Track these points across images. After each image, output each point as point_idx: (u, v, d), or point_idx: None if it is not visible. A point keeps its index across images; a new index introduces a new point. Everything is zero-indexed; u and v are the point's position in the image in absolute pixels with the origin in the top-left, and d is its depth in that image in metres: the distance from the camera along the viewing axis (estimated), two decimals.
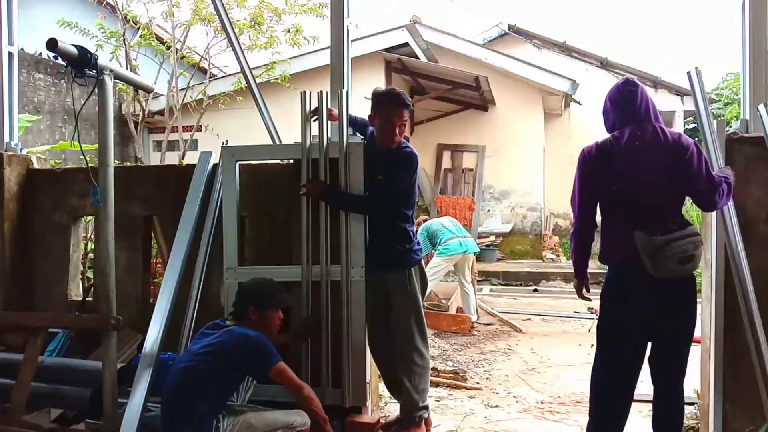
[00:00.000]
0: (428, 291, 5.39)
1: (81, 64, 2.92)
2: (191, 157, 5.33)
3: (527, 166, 11.53)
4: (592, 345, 3.31)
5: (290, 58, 8.10)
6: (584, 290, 2.91)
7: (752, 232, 2.96)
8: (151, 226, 4.07)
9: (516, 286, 9.54)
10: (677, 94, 12.82)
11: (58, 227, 4.04)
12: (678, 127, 12.83)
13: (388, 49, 9.89)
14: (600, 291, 2.79)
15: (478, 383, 4.57)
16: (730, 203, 2.87)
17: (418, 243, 3.42)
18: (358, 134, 3.46)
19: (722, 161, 2.96)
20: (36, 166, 4.18)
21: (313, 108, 3.37)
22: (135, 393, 3.01)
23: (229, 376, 2.74)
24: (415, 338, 3.31)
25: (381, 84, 9.54)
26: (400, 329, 3.31)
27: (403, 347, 3.31)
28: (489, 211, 11.92)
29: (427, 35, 10.76)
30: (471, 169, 11.89)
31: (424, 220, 6.74)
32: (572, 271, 2.95)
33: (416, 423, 3.33)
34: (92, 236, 4.51)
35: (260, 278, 3.09)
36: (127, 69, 6.58)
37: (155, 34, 7.71)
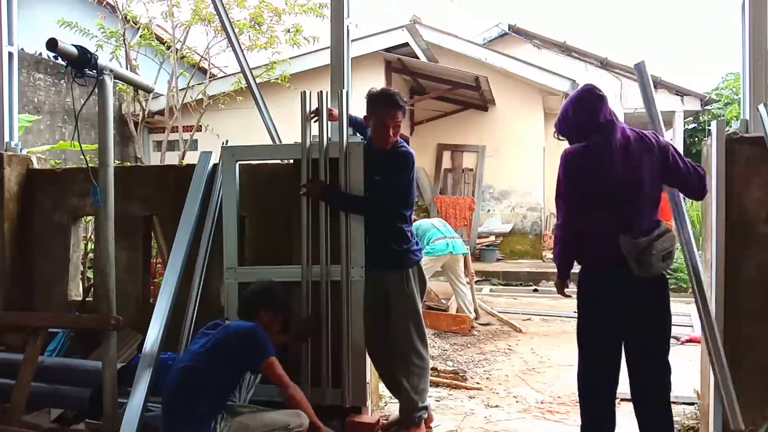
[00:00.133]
0: None
1: (81, 64, 2.92)
2: (191, 157, 5.33)
3: (527, 166, 11.53)
4: None
5: (290, 58, 8.09)
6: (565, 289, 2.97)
7: (752, 232, 2.96)
8: (151, 226, 4.07)
9: (516, 286, 9.53)
10: (677, 94, 12.82)
11: (58, 227, 4.04)
12: (678, 127, 12.83)
13: (388, 49, 9.89)
14: (578, 291, 2.83)
15: (478, 383, 4.57)
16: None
17: (417, 243, 3.42)
18: (358, 134, 3.46)
19: (722, 161, 2.96)
20: (36, 166, 4.18)
21: (313, 108, 3.37)
22: (135, 393, 3.01)
23: (228, 374, 2.75)
24: (414, 339, 3.31)
25: (381, 84, 9.55)
26: (399, 330, 3.31)
27: (401, 348, 3.31)
28: (489, 211, 11.91)
29: (427, 35, 10.76)
30: (471, 169, 11.89)
31: (414, 220, 6.73)
32: (572, 271, 2.96)
33: (416, 423, 3.33)
34: (92, 236, 4.51)
35: (269, 281, 3.12)
36: (127, 69, 6.57)
37: (155, 34, 7.70)
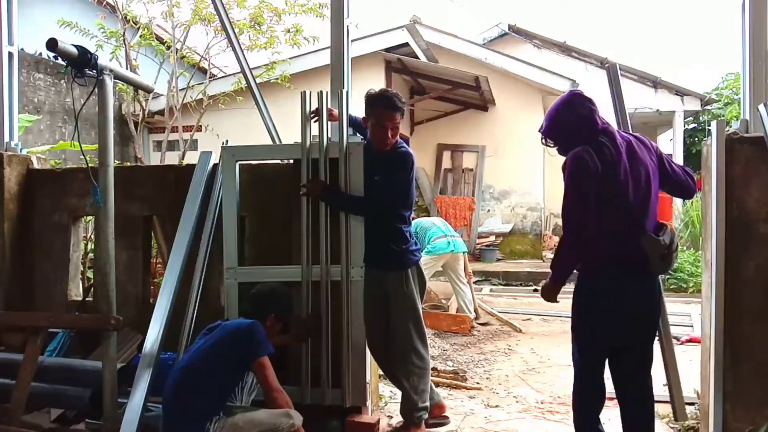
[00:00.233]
0: None
1: (81, 64, 2.92)
2: (191, 157, 5.34)
3: (527, 166, 11.53)
4: None
5: (290, 58, 8.10)
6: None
7: (752, 232, 2.96)
8: (151, 226, 4.07)
9: (516, 286, 9.53)
10: (677, 94, 12.81)
11: (58, 227, 4.04)
12: (678, 127, 12.82)
13: (388, 49, 9.89)
14: (577, 294, 2.80)
15: (478, 383, 4.57)
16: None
17: (416, 243, 3.42)
18: (358, 134, 3.46)
19: (722, 161, 2.96)
20: (36, 166, 4.18)
21: (313, 108, 3.37)
22: (135, 393, 3.01)
23: (228, 373, 2.74)
24: (413, 339, 3.31)
25: (381, 84, 9.55)
26: (399, 330, 3.31)
27: (401, 348, 3.31)
28: (489, 211, 11.92)
29: (427, 35, 10.76)
30: (471, 169, 11.89)
31: (414, 218, 6.73)
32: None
33: (416, 423, 3.33)
34: (92, 236, 4.51)
35: (274, 284, 3.14)
36: (127, 69, 6.58)
37: (155, 34, 7.71)
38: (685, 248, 10.24)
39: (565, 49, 13.40)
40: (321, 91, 3.36)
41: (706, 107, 13.40)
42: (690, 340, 5.71)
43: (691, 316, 6.71)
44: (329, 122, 3.36)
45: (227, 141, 3.63)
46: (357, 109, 3.43)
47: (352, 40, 3.65)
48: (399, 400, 3.50)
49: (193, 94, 7.61)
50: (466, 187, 11.84)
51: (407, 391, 3.30)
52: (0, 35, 3.97)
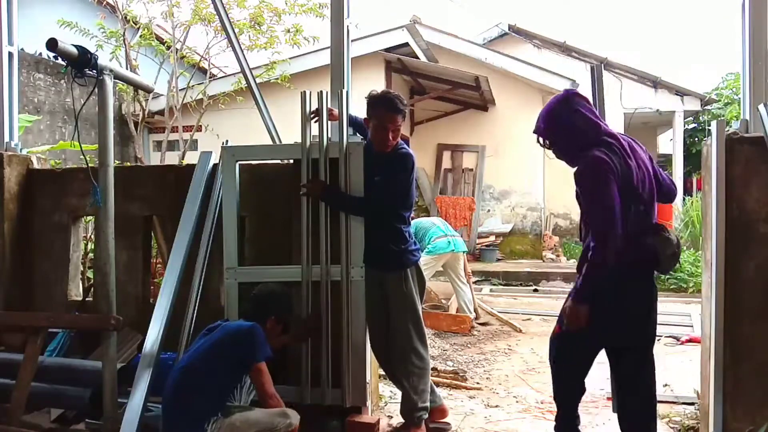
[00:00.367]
0: None
1: (81, 64, 2.92)
2: (191, 157, 5.34)
3: (527, 166, 11.53)
4: None
5: (290, 58, 8.10)
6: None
7: (752, 232, 2.96)
8: (151, 226, 4.07)
9: (516, 286, 9.53)
10: (677, 94, 12.81)
11: (58, 227, 4.04)
12: (678, 127, 12.82)
13: (388, 49, 9.89)
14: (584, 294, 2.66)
15: (478, 383, 4.57)
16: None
17: (415, 243, 3.42)
18: (358, 134, 3.46)
19: (722, 161, 2.96)
20: (36, 166, 4.18)
21: (313, 108, 3.37)
22: (135, 393, 3.01)
23: (227, 374, 2.74)
24: (413, 339, 3.30)
25: (381, 84, 9.55)
26: (398, 330, 3.31)
27: (401, 348, 3.31)
28: (489, 211, 11.92)
29: (427, 35, 10.76)
30: (471, 169, 11.89)
31: (413, 218, 6.73)
32: (572, 271, 2.95)
33: (416, 423, 3.33)
34: (92, 236, 4.51)
35: (275, 285, 3.13)
36: (127, 69, 6.58)
37: (155, 34, 7.71)
38: (685, 248, 10.24)
39: (565, 49, 13.40)
40: (321, 91, 3.36)
41: (706, 107, 13.40)
42: (690, 340, 5.71)
43: (691, 316, 6.71)
44: (329, 122, 3.36)
45: (227, 141, 3.63)
46: (357, 109, 3.43)
47: (352, 40, 3.65)
48: (399, 400, 3.50)
49: (193, 94, 7.61)
50: (466, 187, 11.84)
51: (407, 391, 3.30)
52: (0, 35, 3.97)
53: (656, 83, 12.77)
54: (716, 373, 2.95)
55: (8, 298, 3.94)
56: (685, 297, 8.22)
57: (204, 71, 8.28)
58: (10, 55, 4.05)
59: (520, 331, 6.32)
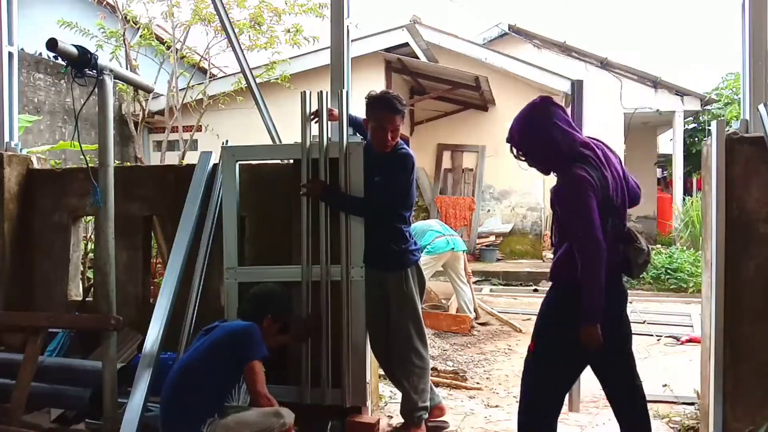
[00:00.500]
0: None
1: (81, 64, 2.93)
2: (191, 157, 5.34)
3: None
4: None
5: (290, 58, 8.10)
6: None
7: (752, 232, 2.96)
8: (151, 226, 4.07)
9: (516, 286, 9.53)
10: (677, 94, 12.80)
11: (58, 227, 4.04)
12: (678, 127, 12.82)
13: (388, 49, 9.88)
14: (566, 306, 2.60)
15: (478, 383, 4.57)
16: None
17: (415, 243, 3.42)
18: (358, 134, 3.46)
19: (722, 161, 2.96)
20: (36, 166, 4.18)
21: (313, 109, 3.37)
22: (135, 393, 3.01)
23: (225, 374, 2.74)
24: (413, 339, 3.31)
25: (381, 84, 9.55)
26: (398, 330, 3.31)
27: (401, 348, 3.31)
28: (489, 211, 11.92)
29: (427, 35, 10.76)
30: (471, 169, 11.88)
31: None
32: None
33: (416, 423, 3.33)
34: (92, 236, 4.51)
35: (273, 284, 3.12)
36: (127, 69, 6.58)
37: (155, 34, 7.71)
38: (685, 248, 10.24)
39: (565, 49, 13.40)
40: (321, 91, 3.36)
41: (706, 107, 13.40)
42: (690, 340, 5.71)
43: (691, 316, 6.71)
44: (329, 122, 3.36)
45: (227, 141, 3.63)
46: (357, 109, 3.43)
47: (352, 40, 3.65)
48: (399, 400, 3.50)
49: (193, 94, 7.61)
50: (466, 187, 11.84)
51: (407, 390, 3.30)
52: (0, 35, 3.97)
53: (656, 83, 12.76)
54: (716, 373, 2.95)
55: (8, 298, 3.94)
56: (685, 297, 8.22)
57: (204, 71, 8.29)
58: (10, 55, 4.05)
59: (520, 331, 6.32)
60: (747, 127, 3.09)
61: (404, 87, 11.40)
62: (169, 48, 7.63)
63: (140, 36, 7.45)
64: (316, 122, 3.39)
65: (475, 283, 7.86)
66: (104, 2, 8.42)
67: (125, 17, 7.35)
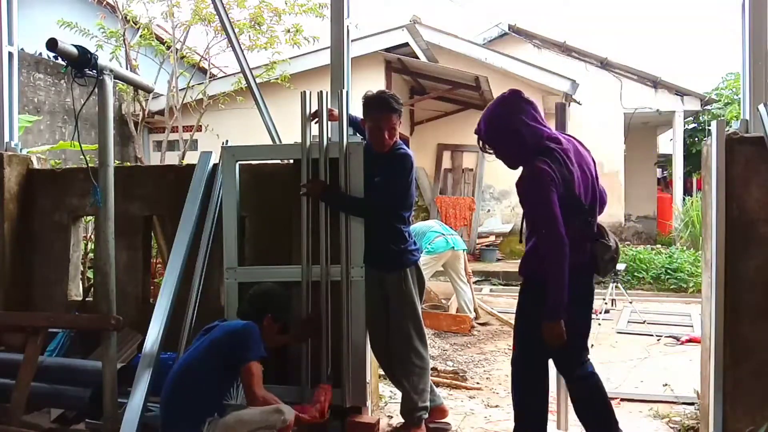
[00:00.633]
0: None
1: (81, 64, 2.92)
2: (191, 157, 5.33)
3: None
4: (592, 345, 3.31)
5: (290, 58, 8.10)
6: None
7: (752, 232, 2.96)
8: (151, 226, 4.07)
9: (516, 286, 9.41)
10: (677, 94, 12.80)
11: (58, 227, 4.04)
12: (678, 127, 12.82)
13: (388, 49, 9.89)
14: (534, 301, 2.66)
15: (478, 383, 4.57)
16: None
17: (414, 243, 3.42)
18: (358, 134, 3.46)
19: (722, 161, 2.96)
20: (36, 166, 4.18)
21: (313, 110, 3.37)
22: (135, 393, 3.01)
23: (224, 373, 2.74)
24: (413, 339, 3.31)
25: (381, 84, 9.55)
26: (398, 330, 3.31)
27: (401, 348, 3.31)
28: (489, 211, 11.92)
29: (427, 35, 10.76)
30: (471, 169, 11.89)
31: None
32: None
33: (416, 423, 3.33)
34: (92, 236, 4.51)
35: (271, 284, 3.11)
36: (127, 69, 6.58)
37: (155, 34, 7.72)
38: (685, 248, 10.24)
39: (565, 49, 13.40)
40: (321, 91, 3.36)
41: (706, 107, 13.40)
42: (690, 340, 5.71)
43: (691, 316, 6.71)
44: (329, 122, 3.36)
45: (227, 141, 3.63)
46: (357, 109, 3.43)
47: (352, 40, 3.65)
48: (399, 400, 3.50)
49: (193, 94, 7.62)
50: (466, 187, 11.84)
51: (407, 390, 3.30)
52: (0, 35, 3.97)
53: (656, 83, 12.76)
54: (716, 373, 2.95)
55: (8, 298, 3.94)
56: (685, 297, 8.22)
57: (204, 71, 8.29)
58: (10, 55, 4.05)
59: None
60: (747, 127, 3.09)
61: (404, 87, 11.40)
62: (169, 48, 7.63)
63: (140, 36, 7.45)
64: (316, 122, 3.39)
65: (475, 283, 7.86)
66: (104, 2, 8.42)
67: (125, 17, 7.35)
